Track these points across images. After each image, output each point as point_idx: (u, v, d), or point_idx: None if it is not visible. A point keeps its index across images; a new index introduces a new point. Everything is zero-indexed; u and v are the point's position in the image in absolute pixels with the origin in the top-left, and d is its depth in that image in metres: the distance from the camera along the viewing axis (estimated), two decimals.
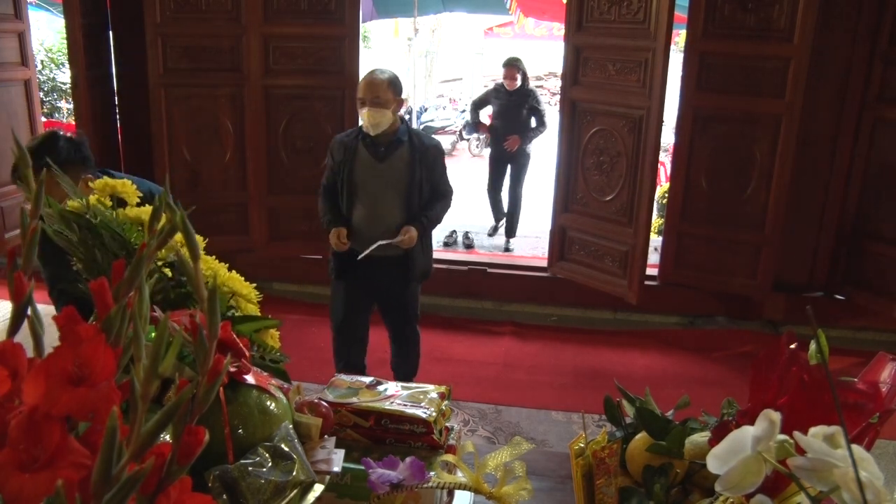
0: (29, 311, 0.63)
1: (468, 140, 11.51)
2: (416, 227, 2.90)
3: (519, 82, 5.84)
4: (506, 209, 6.30)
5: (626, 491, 1.14)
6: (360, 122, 2.96)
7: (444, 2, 8.69)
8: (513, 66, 5.87)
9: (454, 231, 6.28)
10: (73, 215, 1.16)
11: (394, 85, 2.87)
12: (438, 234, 6.42)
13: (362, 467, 1.02)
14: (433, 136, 3.71)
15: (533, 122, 5.94)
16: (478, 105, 6.25)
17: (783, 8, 3.84)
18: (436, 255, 5.31)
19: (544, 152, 7.54)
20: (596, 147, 4.28)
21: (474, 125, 6.39)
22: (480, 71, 18.76)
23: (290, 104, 4.47)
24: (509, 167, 6.17)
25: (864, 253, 4.21)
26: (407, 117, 12.38)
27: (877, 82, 4.03)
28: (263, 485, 0.89)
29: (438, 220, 3.04)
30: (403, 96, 2.97)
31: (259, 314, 1.24)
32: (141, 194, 1.33)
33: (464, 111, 11.16)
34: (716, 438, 0.94)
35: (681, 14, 4.24)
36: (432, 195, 3.00)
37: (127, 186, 1.30)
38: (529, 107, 5.90)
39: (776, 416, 0.68)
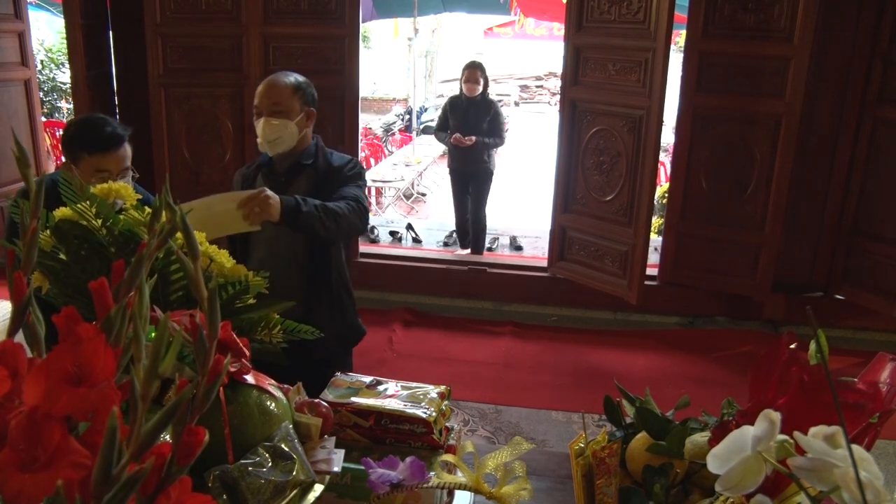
0: (29, 311, 0.63)
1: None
2: (283, 200, 1.91)
3: (480, 88, 5.36)
4: (469, 231, 5.76)
5: (626, 491, 1.14)
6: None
7: (444, 2, 8.68)
8: (475, 67, 5.38)
9: (453, 231, 6.27)
10: (69, 224, 1.15)
11: (301, 91, 2.19)
12: (438, 235, 6.43)
13: (362, 467, 1.02)
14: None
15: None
16: (441, 128, 5.65)
17: (783, 8, 3.84)
18: (436, 256, 5.36)
19: (542, 153, 7.50)
20: (596, 147, 4.28)
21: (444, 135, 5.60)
22: None
23: None
24: (470, 185, 5.64)
25: (864, 253, 4.21)
26: (407, 117, 12.41)
27: (877, 82, 4.03)
28: (263, 485, 0.89)
29: (327, 218, 1.99)
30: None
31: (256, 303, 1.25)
32: (140, 196, 1.34)
33: None
34: (716, 438, 0.94)
35: (681, 14, 4.24)
36: None
37: (127, 189, 1.30)
38: (490, 118, 5.37)
39: (776, 416, 0.68)
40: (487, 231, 5.86)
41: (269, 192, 1.88)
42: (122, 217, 1.18)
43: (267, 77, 2.24)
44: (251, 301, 1.22)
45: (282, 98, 2.15)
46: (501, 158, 5.76)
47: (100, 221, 1.16)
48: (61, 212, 1.17)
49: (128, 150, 2.07)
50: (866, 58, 4.05)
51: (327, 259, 2.24)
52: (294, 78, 2.23)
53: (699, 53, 4.08)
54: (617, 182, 4.20)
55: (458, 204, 5.83)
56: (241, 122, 4.51)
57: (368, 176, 8.08)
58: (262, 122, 2.14)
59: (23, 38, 4.95)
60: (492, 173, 5.62)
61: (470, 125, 5.36)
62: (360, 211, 2.10)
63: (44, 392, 0.52)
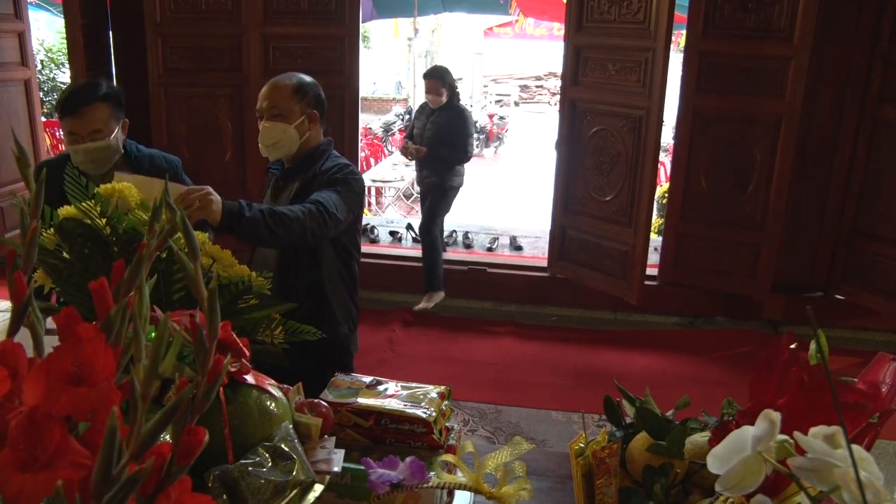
0: (29, 311, 0.63)
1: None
2: (226, 205, 1.68)
3: (445, 98, 4.60)
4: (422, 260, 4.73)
5: (626, 491, 1.14)
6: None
7: (444, 2, 8.69)
8: (435, 77, 4.60)
9: (454, 231, 6.26)
10: (73, 223, 1.15)
11: (302, 92, 2.06)
12: None
13: (362, 467, 1.02)
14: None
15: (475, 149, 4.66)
16: (408, 136, 4.91)
17: (783, 8, 3.84)
18: None
19: (542, 153, 7.49)
20: (596, 147, 4.28)
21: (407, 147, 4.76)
22: (480, 71, 18.81)
23: None
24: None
25: (864, 253, 4.21)
26: (406, 117, 12.41)
27: (877, 82, 4.03)
28: (263, 485, 0.89)
29: (275, 223, 1.77)
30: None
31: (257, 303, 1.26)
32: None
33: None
34: (716, 438, 0.94)
35: (681, 14, 4.24)
36: None
37: (130, 189, 1.30)
38: (452, 128, 4.59)
39: (776, 416, 0.68)
40: (489, 231, 5.79)
41: (212, 191, 1.66)
42: (126, 216, 1.18)
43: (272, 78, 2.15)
44: (253, 301, 1.22)
45: (279, 100, 2.03)
46: (501, 158, 5.56)
47: (104, 220, 1.16)
48: (66, 210, 1.17)
49: (101, 112, 2.00)
50: (866, 58, 4.05)
51: (298, 266, 2.09)
52: (297, 79, 2.09)
53: (699, 53, 4.08)
54: (617, 182, 4.20)
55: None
56: (241, 122, 4.51)
57: (368, 176, 8.10)
58: (261, 126, 2.06)
59: (23, 38, 4.95)
60: (450, 189, 4.75)
61: (425, 136, 4.65)
62: (319, 214, 1.86)
63: (44, 392, 0.52)
